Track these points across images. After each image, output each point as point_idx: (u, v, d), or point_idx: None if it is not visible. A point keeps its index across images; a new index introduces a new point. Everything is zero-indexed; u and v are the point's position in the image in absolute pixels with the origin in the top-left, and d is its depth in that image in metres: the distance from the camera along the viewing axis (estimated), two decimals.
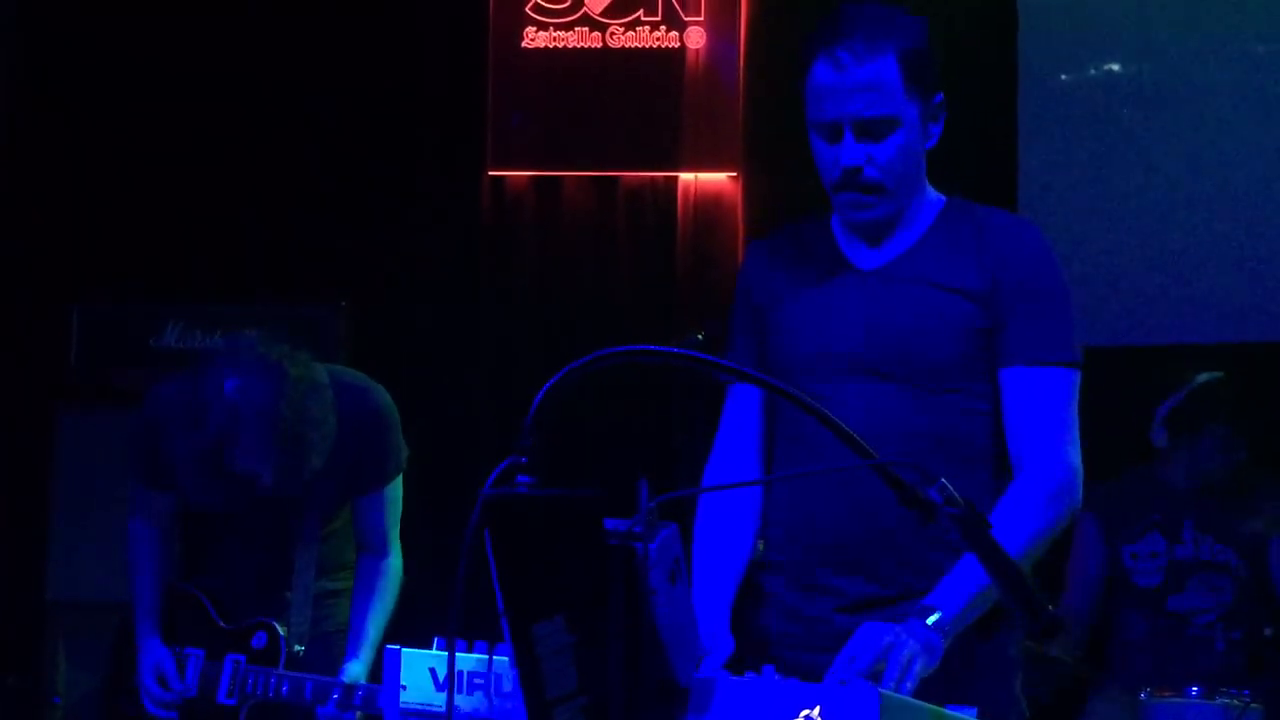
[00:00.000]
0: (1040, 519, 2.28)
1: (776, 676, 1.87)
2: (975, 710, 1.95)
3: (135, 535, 3.53)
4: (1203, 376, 4.29)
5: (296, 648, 3.41)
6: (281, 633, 3.41)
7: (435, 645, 2.03)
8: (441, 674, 1.97)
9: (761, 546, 2.52)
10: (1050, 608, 1.79)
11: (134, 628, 3.49)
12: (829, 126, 2.36)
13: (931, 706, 1.87)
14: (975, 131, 2.44)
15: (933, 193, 2.48)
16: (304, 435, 3.14)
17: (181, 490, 3.31)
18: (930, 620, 2.16)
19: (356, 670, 3.35)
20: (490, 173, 5.26)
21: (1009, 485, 2.33)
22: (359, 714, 3.32)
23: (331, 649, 3.45)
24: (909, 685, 2.05)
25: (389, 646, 2.06)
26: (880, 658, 2.08)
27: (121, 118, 5.15)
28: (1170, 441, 4.27)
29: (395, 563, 3.49)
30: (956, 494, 1.77)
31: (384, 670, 2.06)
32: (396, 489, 3.47)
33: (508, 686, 1.92)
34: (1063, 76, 5.11)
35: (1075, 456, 2.35)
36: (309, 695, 3.31)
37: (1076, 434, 2.36)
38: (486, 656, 1.94)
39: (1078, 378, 2.38)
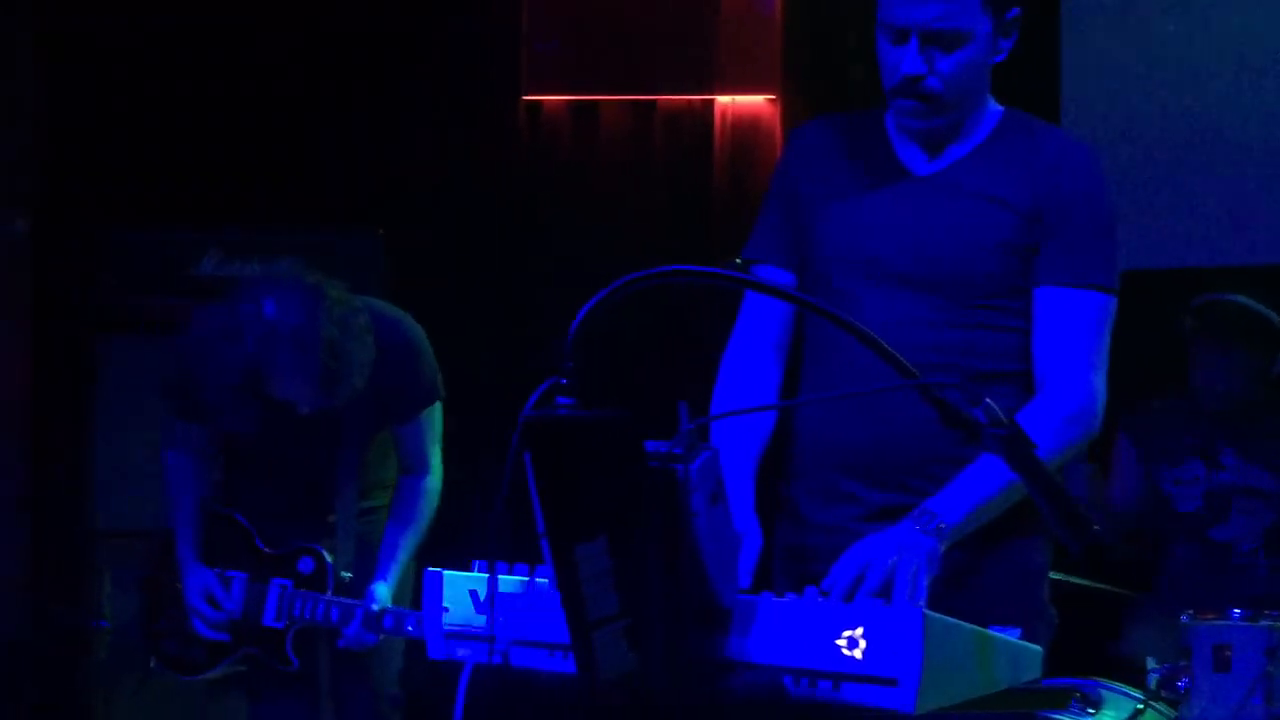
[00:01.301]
0: (1055, 440, 2.25)
1: (818, 597, 1.86)
2: (1019, 630, 1.94)
3: (173, 466, 3.56)
4: (1229, 296, 4.24)
5: (344, 574, 3.44)
6: (329, 559, 3.44)
7: (476, 568, 2.03)
8: (483, 596, 1.97)
9: (788, 455, 2.51)
10: (1095, 528, 1.78)
11: (173, 555, 3.53)
12: (896, 30, 2.31)
13: (973, 627, 1.86)
14: (1018, 42, 2.39)
15: (992, 103, 2.44)
16: (343, 354, 3.15)
17: (218, 417, 3.32)
18: (929, 525, 2.15)
19: (382, 591, 3.37)
20: (525, 97, 5.23)
21: (1027, 403, 2.31)
22: (381, 635, 3.35)
23: (367, 565, 3.47)
24: (921, 600, 2.05)
25: (429, 569, 2.07)
26: (886, 576, 2.07)
27: (159, 45, 5.14)
28: (1203, 363, 4.23)
29: (433, 482, 3.51)
30: (1001, 414, 1.75)
31: (424, 592, 2.06)
32: (435, 414, 3.49)
33: (549, 608, 1.92)
34: None
35: (1099, 382, 2.33)
36: (359, 621, 3.35)
37: (1104, 361, 2.34)
38: (527, 578, 1.94)
39: (1112, 305, 2.35)
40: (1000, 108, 2.44)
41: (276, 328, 3.12)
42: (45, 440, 5.00)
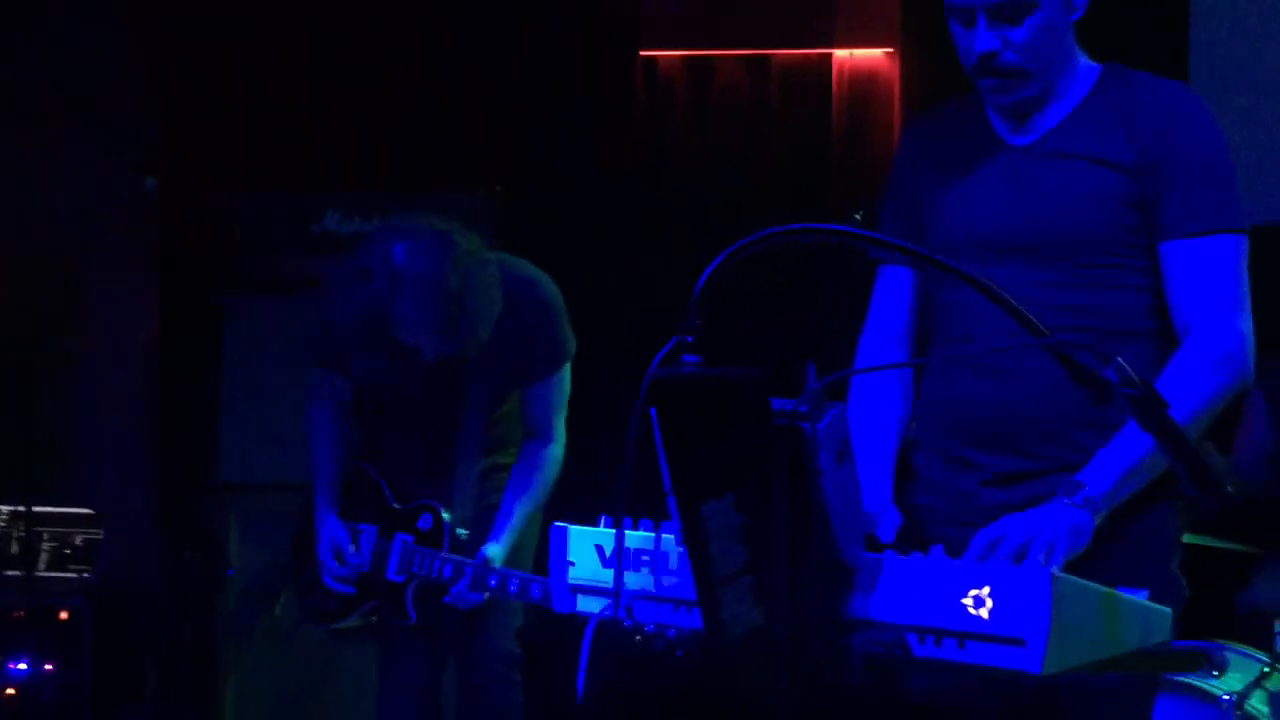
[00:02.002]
0: (1207, 385, 2.23)
1: (944, 556, 1.86)
2: (1146, 592, 1.92)
3: (314, 418, 3.62)
4: None
5: (460, 531, 3.49)
6: (446, 517, 3.49)
7: (601, 523, 2.05)
8: (609, 551, 1.99)
9: (914, 425, 2.53)
10: (1230, 489, 1.75)
11: (312, 507, 3.60)
12: (962, 11, 2.32)
13: (1102, 588, 1.84)
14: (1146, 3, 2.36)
15: (1086, 61, 2.41)
16: (468, 302, 3.19)
17: (350, 361, 3.38)
18: (1078, 496, 2.13)
19: (494, 551, 3.41)
20: (642, 53, 5.22)
21: (1174, 354, 2.27)
22: (486, 594, 3.38)
23: (486, 526, 3.51)
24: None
25: (556, 524, 2.09)
26: (1021, 550, 2.06)
27: (283, 9, 5.20)
28: None
29: (556, 450, 3.54)
30: (1133, 374, 1.73)
31: (550, 547, 2.09)
32: (564, 377, 3.52)
33: (674, 564, 1.93)
34: None
35: (1245, 323, 2.29)
36: (469, 579, 3.39)
37: (1246, 301, 2.30)
38: (653, 534, 1.95)
39: (1244, 243, 2.31)
40: (1096, 65, 2.41)
41: (403, 271, 3.17)
42: (174, 395, 5.12)
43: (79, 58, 5.25)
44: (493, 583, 3.36)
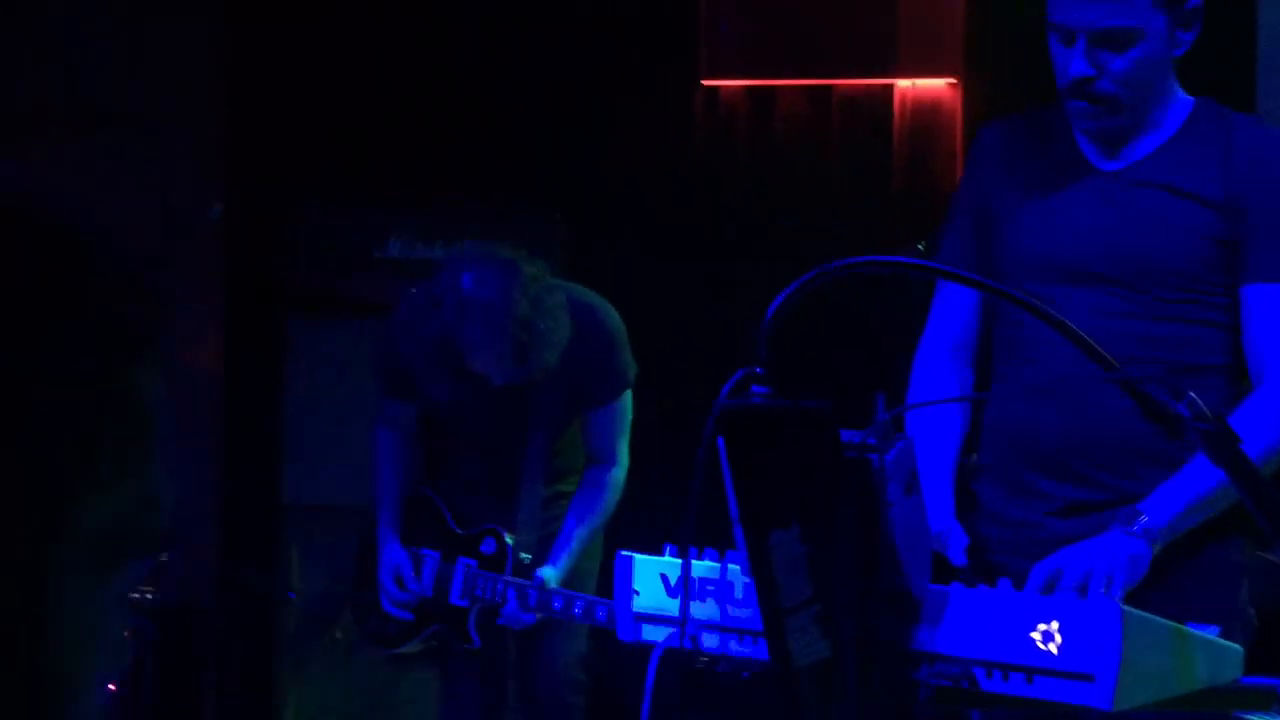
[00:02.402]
0: (1278, 429, 2.21)
1: (1012, 589, 1.85)
2: (1218, 629, 1.90)
3: (380, 442, 3.65)
4: None
5: (523, 555, 3.50)
6: (509, 540, 3.51)
7: (666, 552, 2.06)
8: (673, 580, 1.99)
9: (974, 450, 2.50)
10: None
11: (375, 531, 3.63)
12: (1064, 30, 2.28)
13: (1171, 623, 1.83)
14: (1211, 23, 2.32)
15: (1181, 94, 2.39)
16: (536, 328, 3.22)
17: (418, 389, 3.43)
18: (1136, 526, 2.12)
19: (548, 574, 3.42)
20: (704, 82, 5.23)
21: (1246, 396, 2.26)
22: (538, 615, 3.39)
23: (548, 550, 3.52)
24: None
25: (621, 552, 2.10)
26: (1081, 582, 2.04)
27: (345, 32, 5.27)
28: None
29: (618, 474, 3.55)
30: (1206, 409, 1.72)
31: (615, 576, 2.09)
32: (625, 403, 3.53)
33: (740, 594, 1.94)
34: None
35: None
36: (533, 604, 3.40)
37: None
38: (718, 564, 1.96)
39: None
40: (1191, 98, 2.38)
41: (471, 299, 3.21)
42: (238, 416, 5.17)
43: (141, 83, 5.33)
44: (557, 605, 3.36)
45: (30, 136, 5.27)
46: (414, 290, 3.45)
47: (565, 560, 3.45)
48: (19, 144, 5.10)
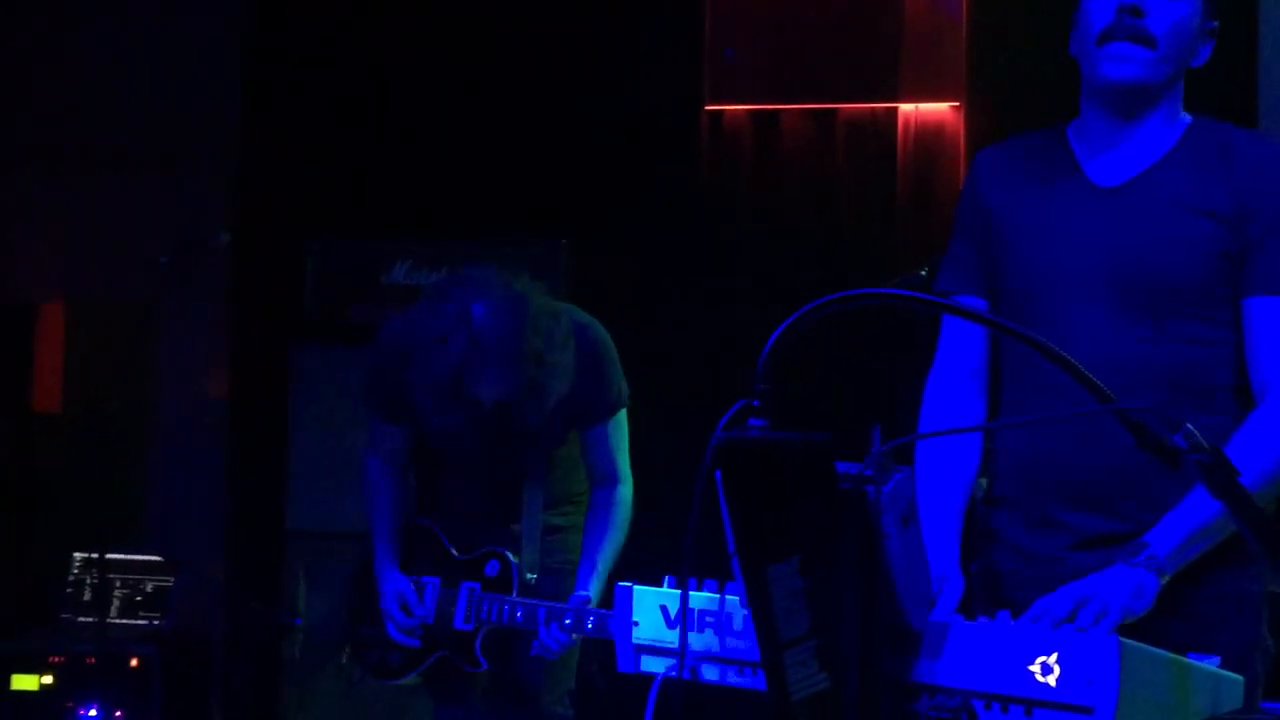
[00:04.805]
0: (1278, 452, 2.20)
1: (1011, 621, 1.85)
2: (1218, 659, 1.89)
3: (372, 471, 3.65)
4: None
5: (529, 575, 3.50)
6: (514, 560, 3.51)
7: (666, 583, 2.06)
8: (673, 611, 1.99)
9: (984, 483, 2.48)
10: None
11: (372, 560, 3.63)
12: None
13: (1171, 655, 1.82)
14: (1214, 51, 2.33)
15: (1182, 112, 2.38)
16: (547, 363, 3.20)
17: (422, 418, 3.39)
18: (1140, 557, 2.11)
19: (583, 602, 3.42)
20: (708, 107, 5.25)
21: (1248, 415, 2.25)
22: (575, 637, 3.39)
23: (559, 585, 3.53)
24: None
25: (620, 584, 2.10)
26: (1073, 614, 2.03)
27: (351, 61, 5.29)
28: None
29: (626, 491, 3.54)
30: (1203, 440, 1.72)
31: (615, 606, 2.09)
32: (621, 421, 3.53)
33: (739, 626, 1.93)
34: None
35: None
36: (542, 620, 3.39)
37: None
38: (718, 595, 1.95)
39: None
40: (1188, 116, 2.38)
41: (483, 337, 3.18)
42: (243, 443, 5.18)
43: (151, 112, 5.36)
44: (589, 624, 3.34)
45: (44, 169, 5.32)
46: (411, 318, 3.39)
47: (596, 584, 3.44)
48: (33, 176, 5.15)
